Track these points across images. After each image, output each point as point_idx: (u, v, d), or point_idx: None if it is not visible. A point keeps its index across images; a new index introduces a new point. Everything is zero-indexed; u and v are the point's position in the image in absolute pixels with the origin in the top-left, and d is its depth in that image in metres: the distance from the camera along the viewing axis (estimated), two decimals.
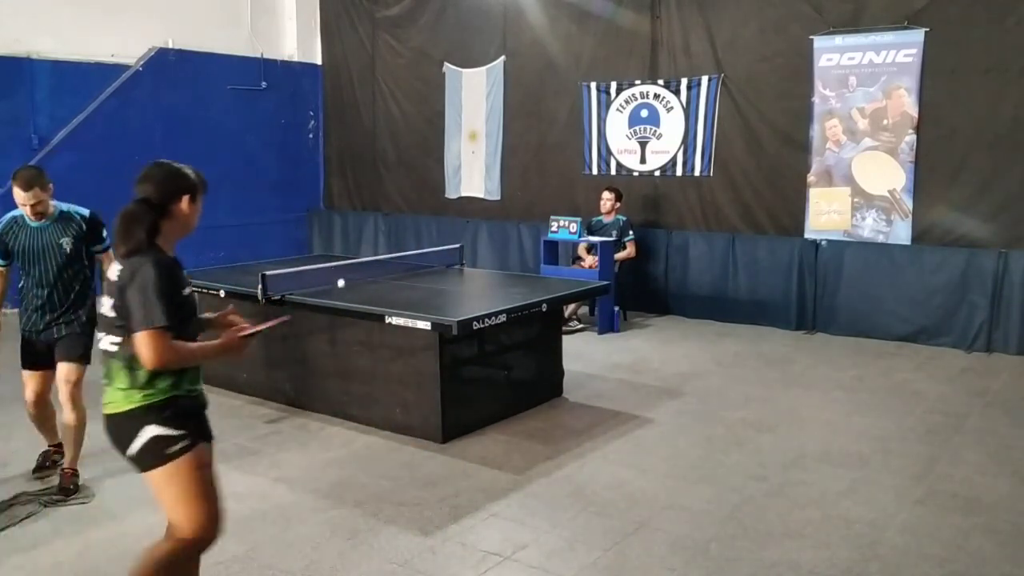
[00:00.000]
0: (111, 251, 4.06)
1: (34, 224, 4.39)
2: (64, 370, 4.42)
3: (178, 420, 2.81)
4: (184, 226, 2.92)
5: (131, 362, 2.76)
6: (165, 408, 2.78)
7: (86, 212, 4.58)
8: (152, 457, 2.77)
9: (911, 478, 4.63)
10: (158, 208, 2.83)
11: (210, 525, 2.89)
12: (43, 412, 4.69)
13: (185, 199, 2.89)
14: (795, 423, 5.56)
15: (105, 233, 4.55)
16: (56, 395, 4.52)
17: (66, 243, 4.42)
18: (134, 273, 2.71)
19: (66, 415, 4.41)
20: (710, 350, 7.49)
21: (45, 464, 4.75)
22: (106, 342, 2.84)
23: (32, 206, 4.32)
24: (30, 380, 4.56)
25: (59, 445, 4.68)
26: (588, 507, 4.26)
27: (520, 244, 9.97)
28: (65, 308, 4.47)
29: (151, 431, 2.77)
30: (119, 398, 2.79)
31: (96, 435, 5.24)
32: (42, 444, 4.85)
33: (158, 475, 2.79)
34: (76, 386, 4.42)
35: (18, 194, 4.30)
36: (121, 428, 2.80)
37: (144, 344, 2.66)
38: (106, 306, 2.83)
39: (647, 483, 4.57)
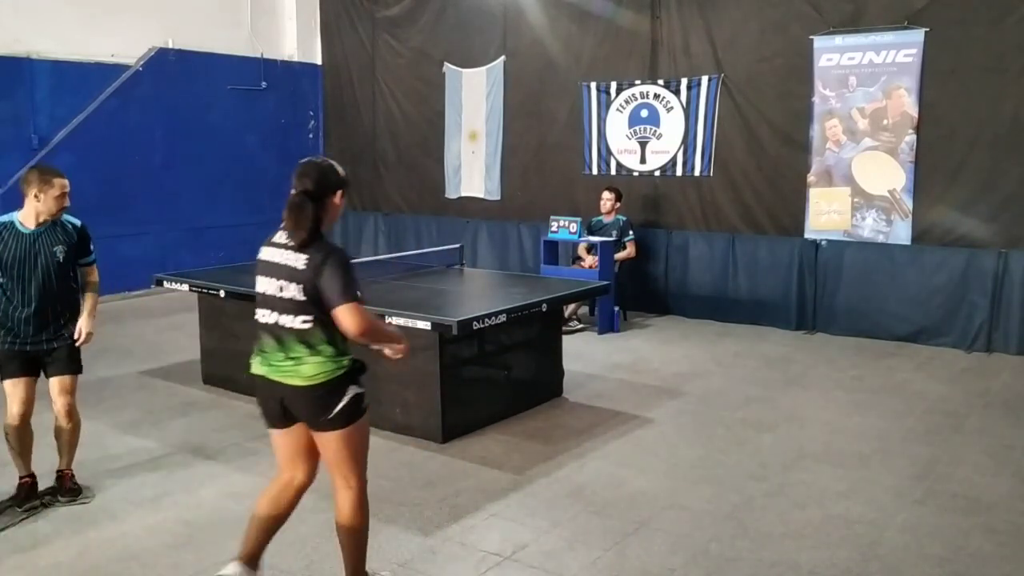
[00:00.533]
0: (95, 266, 4.46)
1: (26, 231, 4.21)
2: (64, 383, 4.28)
3: (361, 380, 3.21)
4: (333, 217, 3.23)
5: (331, 334, 3.08)
6: (356, 370, 3.19)
7: (78, 222, 4.45)
8: (351, 414, 3.14)
9: (911, 478, 4.63)
10: (317, 198, 3.13)
11: (366, 467, 3.29)
12: (27, 431, 4.27)
13: (338, 193, 3.21)
14: (795, 423, 5.56)
15: (92, 247, 4.48)
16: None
17: (59, 251, 4.27)
18: (326, 259, 3.05)
19: (64, 423, 4.32)
20: (710, 350, 7.49)
21: (31, 496, 4.29)
22: (295, 321, 3.07)
23: (63, 195, 4.27)
24: (17, 390, 4.19)
25: (31, 475, 4.34)
26: (588, 507, 4.26)
27: (520, 244, 9.98)
28: (58, 320, 4.26)
29: (353, 390, 3.15)
30: (327, 368, 3.09)
31: (97, 437, 5.26)
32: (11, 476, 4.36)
33: (351, 430, 3.16)
34: (73, 395, 4.33)
35: (60, 183, 4.26)
36: (327, 394, 3.10)
37: (350, 314, 3.00)
38: (289, 290, 3.07)
39: (647, 483, 4.57)
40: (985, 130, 7.25)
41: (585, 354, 7.23)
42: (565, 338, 6.46)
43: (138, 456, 4.95)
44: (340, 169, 3.24)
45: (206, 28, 10.57)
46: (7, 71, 8.94)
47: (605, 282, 6.77)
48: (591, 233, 8.55)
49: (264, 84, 11.12)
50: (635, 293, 8.83)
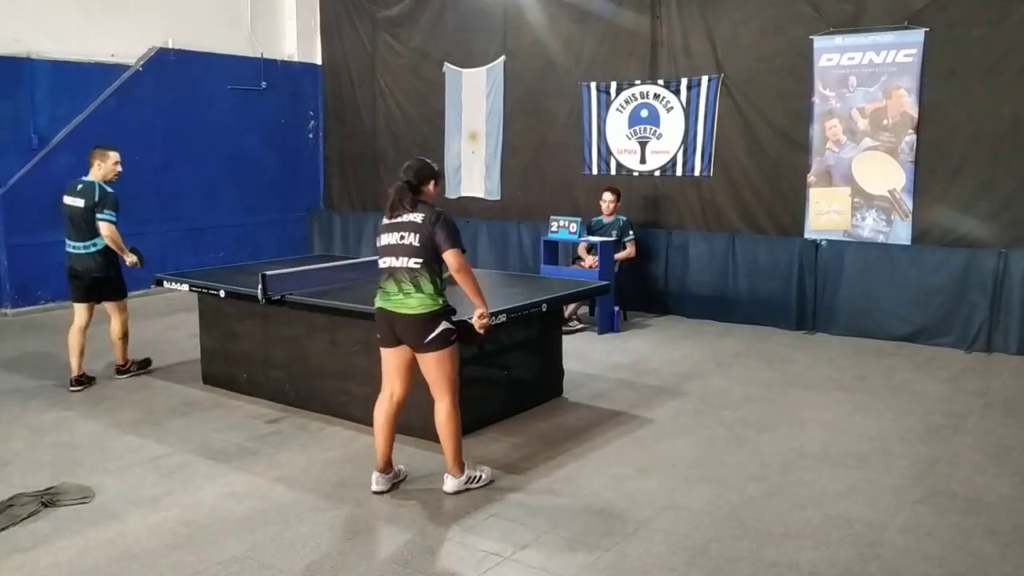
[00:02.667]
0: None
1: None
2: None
3: (452, 319, 4.27)
4: (430, 199, 4.30)
5: (432, 278, 4.16)
6: (449, 311, 4.26)
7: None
8: (442, 342, 4.21)
9: (911, 478, 4.63)
10: (415, 187, 4.24)
11: (457, 391, 4.34)
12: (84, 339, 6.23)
13: (431, 183, 4.31)
14: (795, 423, 5.56)
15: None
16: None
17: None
18: (438, 217, 4.17)
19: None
20: (710, 350, 7.49)
21: (82, 380, 6.20)
22: (409, 262, 4.14)
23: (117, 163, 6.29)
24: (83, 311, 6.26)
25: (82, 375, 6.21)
26: (588, 507, 4.26)
27: (520, 244, 9.98)
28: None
29: (444, 324, 4.21)
30: (427, 303, 4.17)
31: (97, 437, 5.26)
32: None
33: (441, 355, 4.23)
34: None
35: (116, 156, 6.28)
36: (423, 324, 4.17)
37: (457, 257, 4.15)
38: (408, 238, 4.14)
39: (647, 483, 4.57)
40: (985, 130, 7.25)
41: (585, 354, 7.22)
42: (565, 338, 6.46)
43: (138, 456, 4.95)
44: (434, 166, 4.35)
45: (206, 28, 10.57)
46: (7, 71, 8.94)
47: (605, 282, 6.77)
48: (591, 233, 8.55)
49: (264, 84, 11.12)
50: (635, 293, 8.83)
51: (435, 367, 4.24)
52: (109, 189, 6.27)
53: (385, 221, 4.27)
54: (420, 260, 4.14)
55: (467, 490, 4.36)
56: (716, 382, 6.51)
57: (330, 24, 11.68)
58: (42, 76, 9.21)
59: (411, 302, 4.16)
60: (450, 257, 4.14)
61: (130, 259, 6.30)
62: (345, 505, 4.28)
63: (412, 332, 4.20)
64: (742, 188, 8.52)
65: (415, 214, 4.17)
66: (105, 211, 6.18)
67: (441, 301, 4.21)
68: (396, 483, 4.49)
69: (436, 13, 10.48)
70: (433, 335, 4.18)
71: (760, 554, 3.78)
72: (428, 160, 4.36)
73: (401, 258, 4.16)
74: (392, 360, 4.34)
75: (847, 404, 5.97)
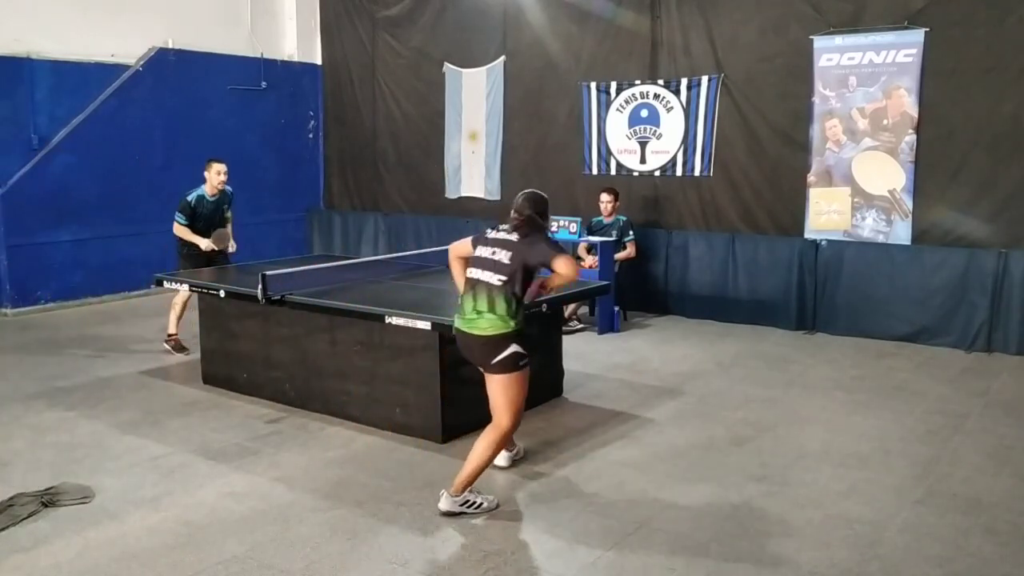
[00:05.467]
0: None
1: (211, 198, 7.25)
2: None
3: (527, 345, 4.18)
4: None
5: (509, 299, 4.09)
6: (522, 335, 4.17)
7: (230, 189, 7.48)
8: (509, 365, 4.11)
9: (911, 478, 4.63)
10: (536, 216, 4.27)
11: (518, 420, 4.25)
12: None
13: (543, 213, 4.31)
14: (795, 423, 5.56)
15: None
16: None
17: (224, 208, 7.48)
18: (535, 239, 4.14)
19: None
20: (710, 350, 7.49)
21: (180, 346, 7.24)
22: (493, 278, 4.11)
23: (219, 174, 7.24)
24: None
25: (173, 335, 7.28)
26: (588, 507, 4.26)
27: None
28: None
29: (514, 348, 4.12)
30: (497, 324, 4.09)
31: (97, 437, 5.26)
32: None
33: (506, 379, 4.13)
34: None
35: (216, 167, 7.26)
36: (492, 345, 4.10)
37: (566, 262, 4.04)
38: (499, 255, 4.13)
39: (647, 483, 4.57)
40: (985, 130, 7.25)
41: (585, 354, 7.22)
42: (565, 338, 6.46)
43: (138, 456, 4.95)
44: (545, 197, 4.37)
45: (206, 28, 10.56)
46: (7, 71, 8.93)
47: (605, 282, 6.77)
48: (591, 233, 8.55)
49: (264, 84, 11.11)
50: (635, 293, 8.82)
51: (499, 390, 4.16)
52: (188, 196, 7.18)
53: (489, 233, 4.29)
54: (504, 278, 4.09)
55: (461, 514, 4.14)
56: (716, 382, 6.51)
57: (330, 24, 11.67)
58: (42, 76, 9.21)
59: (481, 322, 4.11)
60: (558, 264, 4.03)
61: (204, 244, 7.13)
62: (345, 505, 4.28)
63: (479, 352, 4.16)
64: (742, 188, 8.52)
65: (515, 235, 4.16)
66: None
67: (513, 324, 4.11)
68: (515, 461, 4.72)
69: (436, 13, 10.48)
70: (500, 357, 4.10)
71: (760, 554, 3.78)
72: (541, 193, 4.38)
73: (487, 272, 4.15)
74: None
75: (847, 404, 5.97)
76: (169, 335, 7.34)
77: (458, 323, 4.22)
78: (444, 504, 4.17)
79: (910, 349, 7.47)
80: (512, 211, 4.25)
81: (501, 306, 4.08)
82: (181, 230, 7.17)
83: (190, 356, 6.96)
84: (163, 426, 5.49)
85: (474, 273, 4.19)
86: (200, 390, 6.28)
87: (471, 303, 4.14)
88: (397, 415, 5.30)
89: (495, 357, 4.10)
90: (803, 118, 8.09)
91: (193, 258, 7.17)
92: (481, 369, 4.20)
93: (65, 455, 4.96)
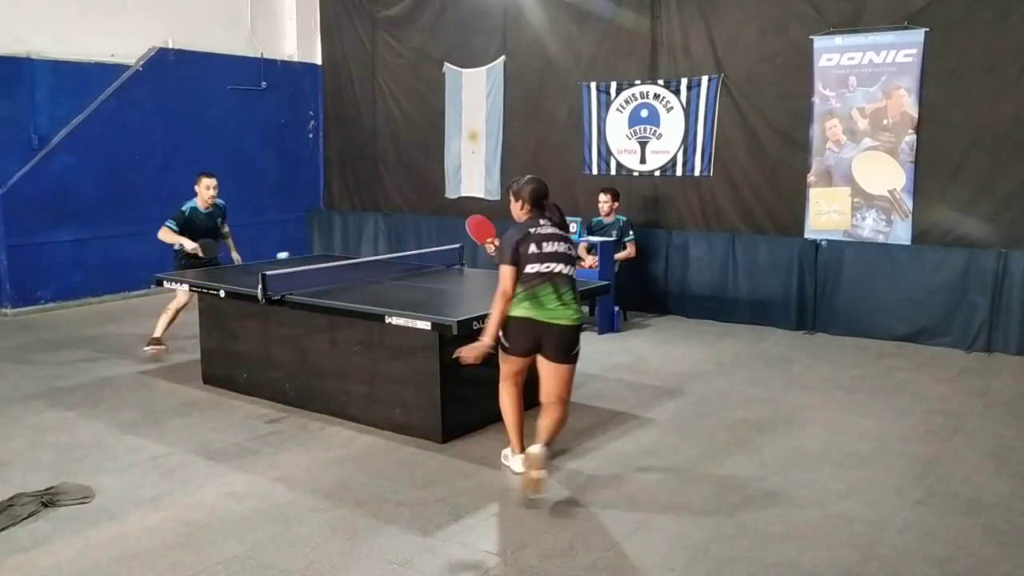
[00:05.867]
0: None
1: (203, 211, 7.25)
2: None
3: None
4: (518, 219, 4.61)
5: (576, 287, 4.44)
6: None
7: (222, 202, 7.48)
8: (577, 353, 4.43)
9: (911, 478, 4.63)
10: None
11: None
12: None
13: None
14: (795, 423, 5.56)
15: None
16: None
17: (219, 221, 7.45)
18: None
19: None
20: (710, 350, 7.49)
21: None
22: (567, 269, 4.35)
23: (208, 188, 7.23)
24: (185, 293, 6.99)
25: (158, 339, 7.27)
26: (588, 507, 4.26)
27: None
28: None
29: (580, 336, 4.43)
30: (579, 313, 4.38)
31: (97, 437, 5.26)
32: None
33: (574, 367, 4.43)
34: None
35: (207, 182, 7.23)
36: (577, 333, 4.36)
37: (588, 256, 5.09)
38: (562, 247, 4.38)
39: (647, 483, 4.57)
40: (985, 130, 7.25)
41: (585, 354, 7.12)
42: None
43: (138, 456, 4.95)
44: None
45: (206, 28, 10.57)
46: (7, 71, 8.94)
47: (605, 282, 6.76)
48: (591, 233, 8.55)
49: (264, 84, 11.12)
50: (635, 293, 8.82)
51: (569, 377, 4.41)
52: (183, 207, 7.23)
53: (536, 229, 4.38)
54: (571, 268, 4.38)
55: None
56: (716, 382, 6.51)
57: (330, 24, 11.68)
58: (42, 76, 9.21)
59: (570, 312, 4.30)
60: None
61: (190, 245, 7.09)
62: (345, 505, 4.28)
63: (567, 341, 4.31)
64: (742, 188, 8.52)
65: (558, 228, 4.45)
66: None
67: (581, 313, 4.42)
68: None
69: (436, 13, 10.48)
70: (578, 347, 4.39)
71: (760, 554, 3.78)
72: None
73: (559, 264, 4.31)
74: (518, 365, 4.47)
75: (847, 404, 5.97)
76: (152, 339, 7.26)
77: (533, 313, 4.28)
78: (538, 451, 4.28)
79: (910, 349, 7.46)
80: (535, 195, 4.46)
81: (577, 296, 4.39)
82: (166, 233, 7.10)
83: (190, 356, 6.95)
84: (163, 426, 5.49)
85: (547, 267, 4.30)
86: (200, 390, 6.28)
87: (552, 295, 4.27)
88: (397, 415, 5.30)
89: (576, 346, 4.36)
90: (803, 118, 8.09)
91: (181, 262, 7.22)
92: (554, 361, 4.34)
93: (65, 455, 4.96)
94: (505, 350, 4.44)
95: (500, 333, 4.39)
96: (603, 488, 4.49)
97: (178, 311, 7.22)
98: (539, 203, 4.51)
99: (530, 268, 4.30)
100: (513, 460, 4.63)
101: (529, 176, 4.68)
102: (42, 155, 9.14)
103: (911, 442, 5.19)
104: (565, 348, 4.33)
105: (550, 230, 4.43)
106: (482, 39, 10.11)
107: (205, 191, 7.24)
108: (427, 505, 4.27)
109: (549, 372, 4.38)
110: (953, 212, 7.47)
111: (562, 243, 4.42)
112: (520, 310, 4.30)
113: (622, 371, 6.81)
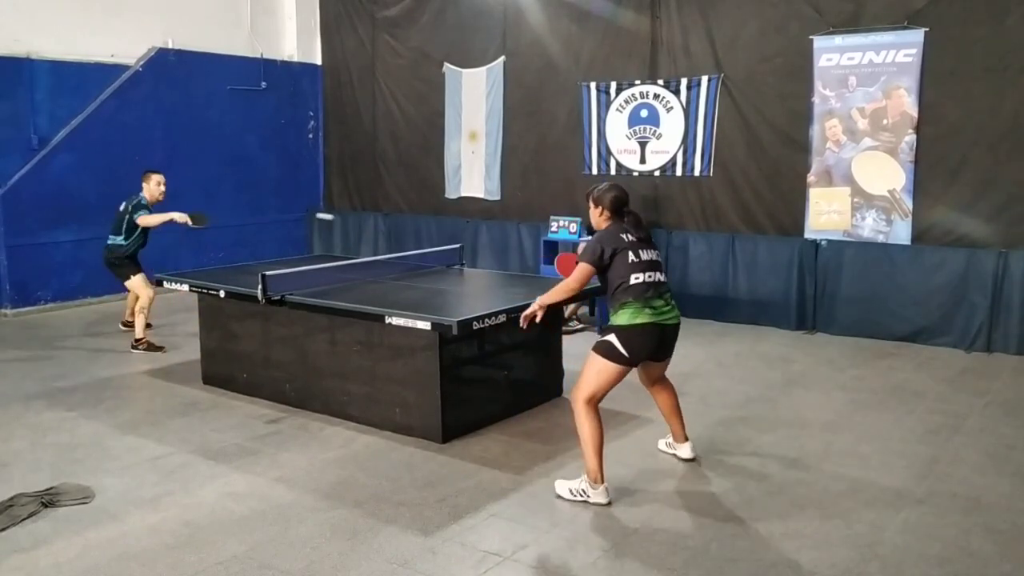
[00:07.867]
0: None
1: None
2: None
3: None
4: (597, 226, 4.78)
5: None
6: None
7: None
8: None
9: (911, 478, 4.63)
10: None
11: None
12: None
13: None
14: (795, 423, 5.56)
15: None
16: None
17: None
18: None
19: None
20: (710, 350, 7.49)
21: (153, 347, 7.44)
22: (662, 276, 4.46)
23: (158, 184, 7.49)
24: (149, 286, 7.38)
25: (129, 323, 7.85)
26: (588, 507, 4.26)
27: (520, 244, 9.97)
28: None
29: None
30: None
31: (97, 437, 5.26)
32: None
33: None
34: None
35: (156, 177, 7.48)
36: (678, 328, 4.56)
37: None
38: (654, 255, 4.50)
39: (647, 483, 4.57)
40: (985, 130, 7.25)
41: (585, 354, 7.20)
42: (565, 338, 6.46)
43: (138, 456, 4.96)
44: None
45: (206, 28, 10.57)
46: (7, 71, 8.93)
47: None
48: (591, 233, 8.52)
49: (264, 84, 11.11)
50: None
51: (665, 365, 4.73)
52: (141, 200, 7.46)
53: (626, 236, 4.46)
54: (664, 274, 4.54)
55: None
56: (716, 382, 6.51)
57: (330, 24, 11.67)
58: (42, 76, 9.21)
59: (677, 312, 4.49)
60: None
61: (180, 217, 7.34)
62: (345, 505, 4.28)
63: (674, 340, 4.54)
64: (742, 188, 8.52)
65: (642, 232, 4.55)
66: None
67: None
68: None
69: (436, 13, 10.48)
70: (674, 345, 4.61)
71: (760, 554, 3.78)
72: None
73: (657, 272, 4.44)
74: (624, 375, 4.39)
75: (847, 404, 5.97)
76: (137, 340, 7.43)
77: (657, 318, 4.35)
78: (690, 450, 4.91)
79: (910, 349, 7.46)
80: (616, 203, 4.57)
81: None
82: (150, 218, 7.36)
83: (190, 357, 6.95)
84: (163, 426, 5.50)
85: (651, 276, 4.39)
86: (200, 390, 6.28)
87: (661, 300, 4.40)
88: (397, 415, 5.30)
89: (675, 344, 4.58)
90: (803, 118, 8.09)
91: (130, 261, 7.58)
92: (665, 358, 4.61)
93: (65, 455, 4.96)
94: (621, 360, 4.28)
95: (617, 345, 4.29)
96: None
97: (148, 308, 7.48)
98: (619, 211, 4.56)
99: (635, 278, 4.34)
100: (596, 492, 4.28)
101: (609, 183, 4.71)
102: (42, 155, 9.14)
103: (911, 442, 5.19)
104: (672, 345, 4.55)
105: (639, 236, 4.50)
106: (482, 39, 10.11)
107: (156, 187, 7.50)
108: (427, 505, 4.27)
109: (656, 368, 4.69)
110: (953, 212, 7.47)
111: (653, 250, 4.53)
112: (643, 317, 4.32)
113: None
